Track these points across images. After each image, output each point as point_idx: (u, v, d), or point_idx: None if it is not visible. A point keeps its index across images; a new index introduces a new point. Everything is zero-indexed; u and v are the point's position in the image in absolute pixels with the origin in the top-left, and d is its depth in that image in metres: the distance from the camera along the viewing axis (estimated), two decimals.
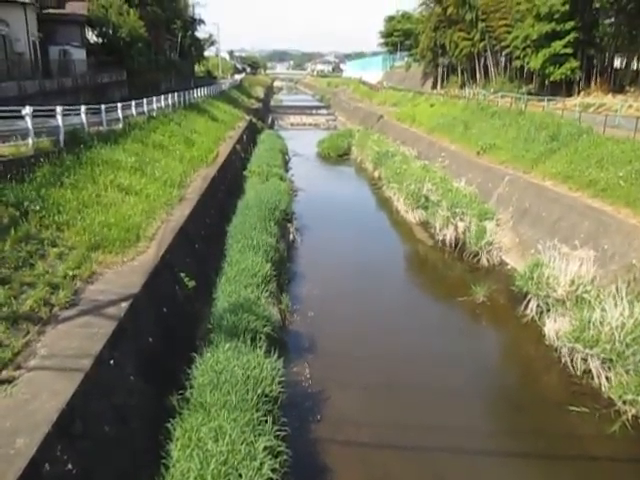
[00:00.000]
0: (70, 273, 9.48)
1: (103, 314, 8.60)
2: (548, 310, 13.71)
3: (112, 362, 7.78)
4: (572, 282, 13.33)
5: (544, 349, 12.94)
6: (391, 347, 13.21)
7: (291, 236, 20.65)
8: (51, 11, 30.72)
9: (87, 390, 6.84)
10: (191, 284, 12.25)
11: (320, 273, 17.92)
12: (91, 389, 6.96)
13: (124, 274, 10.28)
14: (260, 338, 10.19)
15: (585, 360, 11.61)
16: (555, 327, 12.94)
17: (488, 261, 18.62)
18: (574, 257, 14.25)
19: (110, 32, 33.60)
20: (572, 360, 11.91)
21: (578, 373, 11.69)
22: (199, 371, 8.93)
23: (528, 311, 14.32)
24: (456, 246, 20.11)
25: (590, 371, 11.48)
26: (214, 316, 11.04)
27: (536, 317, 14.07)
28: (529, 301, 14.38)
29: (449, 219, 20.74)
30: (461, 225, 20.28)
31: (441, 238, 21.01)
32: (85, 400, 6.74)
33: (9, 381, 6.67)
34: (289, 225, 21.01)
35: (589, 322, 11.66)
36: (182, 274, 12.23)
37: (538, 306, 14.10)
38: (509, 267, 18.04)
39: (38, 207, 10.83)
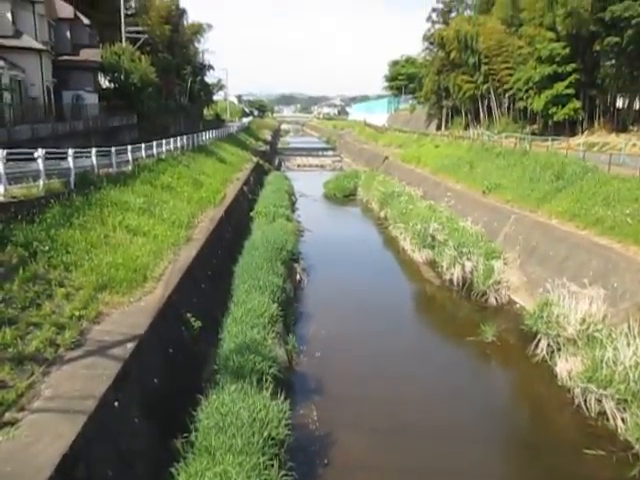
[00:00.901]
0: (76, 313, 9.48)
1: (108, 355, 8.55)
2: (559, 349, 13.49)
3: (116, 404, 7.69)
4: (583, 321, 13.17)
5: (556, 390, 12.67)
6: (400, 388, 12.98)
7: (298, 276, 20.61)
8: (66, 58, 31.77)
9: (91, 433, 6.74)
10: (197, 324, 12.20)
11: (327, 313, 17.80)
12: (95, 432, 6.86)
13: (130, 314, 10.27)
14: (266, 379, 10.06)
15: (599, 401, 11.35)
16: (567, 367, 12.71)
17: (496, 300, 18.46)
18: (584, 295, 14.11)
19: (122, 77, 34.61)
20: (586, 401, 11.64)
21: (593, 414, 11.40)
22: (204, 413, 8.79)
23: (539, 351, 14.09)
24: (464, 285, 19.99)
25: (605, 412, 11.20)
26: (220, 357, 10.94)
27: (547, 357, 13.83)
28: (539, 340, 14.18)
29: (456, 258, 20.70)
30: (468, 264, 20.21)
31: (448, 277, 20.91)
32: (88, 443, 6.64)
33: (12, 423, 6.59)
34: (296, 265, 21.01)
35: (602, 362, 11.45)
36: (188, 314, 12.19)
37: (549, 345, 13.88)
38: (518, 306, 17.87)
39: (47, 247, 10.93)
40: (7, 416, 6.69)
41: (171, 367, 10.31)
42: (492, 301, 18.47)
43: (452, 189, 30.61)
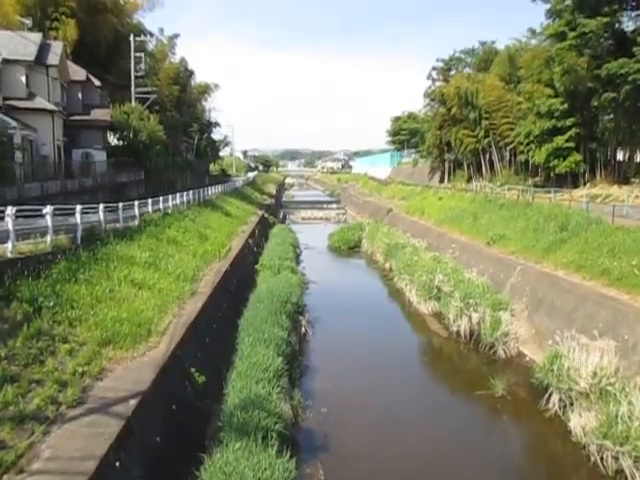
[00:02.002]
0: (79, 370, 9.39)
1: (110, 412, 8.40)
2: (572, 404, 13.15)
3: (118, 464, 7.49)
4: (594, 374, 12.89)
5: (571, 446, 12.25)
6: (409, 446, 12.59)
7: (303, 329, 20.42)
8: (77, 117, 32.83)
9: None
10: (201, 380, 12.02)
11: (333, 367, 17.52)
12: None
13: (134, 370, 10.15)
14: (271, 437, 9.82)
15: (616, 458, 10.95)
16: (581, 422, 12.34)
17: (505, 352, 18.16)
18: (594, 348, 13.87)
19: (131, 135, 35.59)
20: (602, 458, 11.23)
21: (610, 473, 10.97)
22: (208, 473, 8.54)
23: (550, 405, 13.73)
24: (471, 337, 19.74)
25: (623, 470, 10.79)
26: (224, 413, 10.72)
27: (560, 411, 13.46)
28: (551, 394, 13.84)
29: (463, 310, 20.52)
30: (475, 316, 20.01)
31: (455, 329, 20.67)
32: None
33: None
34: (301, 318, 20.85)
35: (617, 417, 11.12)
36: (192, 369, 12.04)
37: (561, 400, 13.54)
38: (527, 359, 17.55)
39: (52, 303, 10.95)
40: (5, 479, 6.52)
41: (174, 424, 10.10)
42: (501, 353, 18.16)
43: (456, 240, 30.71)
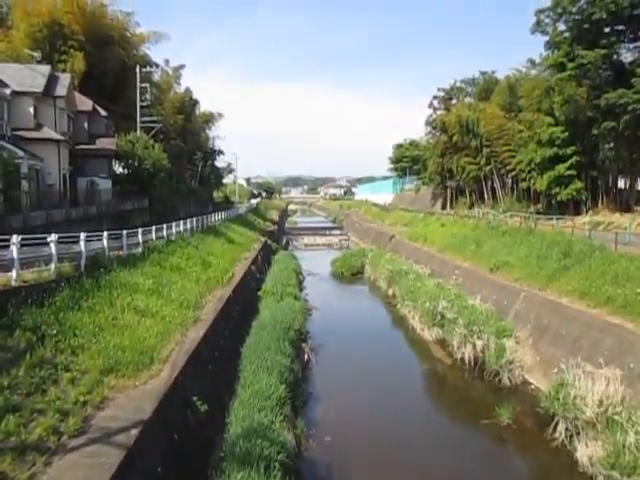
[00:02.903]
0: (81, 399, 9.34)
1: (112, 442, 8.32)
2: (578, 433, 12.97)
3: None
4: (600, 403, 12.74)
5: (578, 477, 12.03)
6: (413, 477, 12.38)
7: (306, 356, 20.33)
8: (82, 146, 33.23)
9: None
10: (203, 408, 11.92)
11: (336, 394, 17.37)
12: None
13: (136, 398, 10.09)
14: (274, 467, 9.70)
15: None
16: (587, 452, 12.16)
17: (510, 380, 17.99)
18: (600, 376, 13.74)
19: (135, 164, 35.99)
20: None
21: None
22: None
23: (557, 434, 13.55)
24: (475, 365, 19.58)
25: None
26: (227, 442, 10.61)
27: (566, 441, 13.27)
28: (557, 423, 13.67)
29: (467, 337, 20.40)
30: (479, 343, 19.88)
31: (459, 356, 20.51)
32: None
33: None
34: (304, 345, 20.78)
35: (624, 447, 10.97)
36: (194, 398, 11.95)
37: (567, 429, 13.36)
38: (532, 387, 17.37)
39: (55, 331, 10.95)
40: None
41: (176, 454, 9.98)
42: (506, 381, 17.99)
43: (459, 267, 30.69)
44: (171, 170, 42.51)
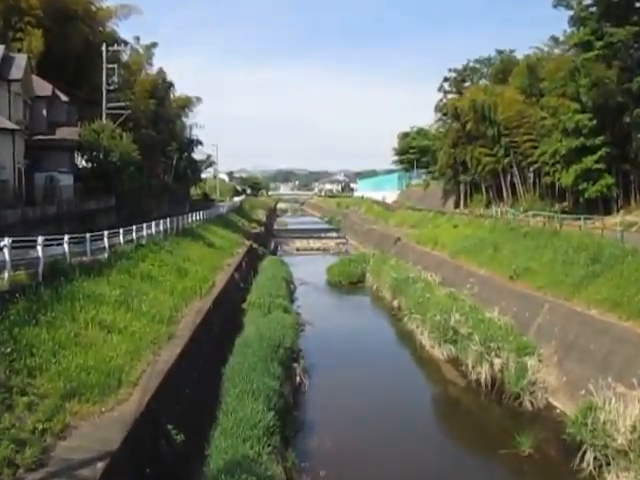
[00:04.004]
0: (40, 427, 9.36)
1: (75, 476, 8.37)
2: (608, 463, 13.10)
3: None
4: (633, 428, 12.88)
5: None
6: None
7: (298, 378, 20.34)
8: (41, 137, 33.18)
9: None
10: (180, 438, 11.96)
11: (333, 422, 17.43)
12: None
13: (102, 427, 10.13)
14: None
15: None
16: None
17: (532, 404, 18.10)
18: (633, 398, 13.89)
19: (101, 156, 35.95)
20: None
21: None
22: None
23: (584, 465, 13.66)
24: (493, 386, 19.68)
25: None
26: (207, 478, 10.66)
27: (595, 472, 13.39)
28: (585, 452, 13.77)
29: (483, 355, 20.51)
30: (497, 362, 20.01)
31: (475, 377, 20.61)
32: None
33: None
34: (295, 365, 20.80)
35: None
36: (169, 426, 11.99)
37: (596, 458, 13.48)
38: (557, 411, 17.51)
39: (9, 349, 10.96)
40: None
41: None
42: (527, 405, 18.10)
43: (475, 274, 30.84)
44: (141, 163, 42.43)
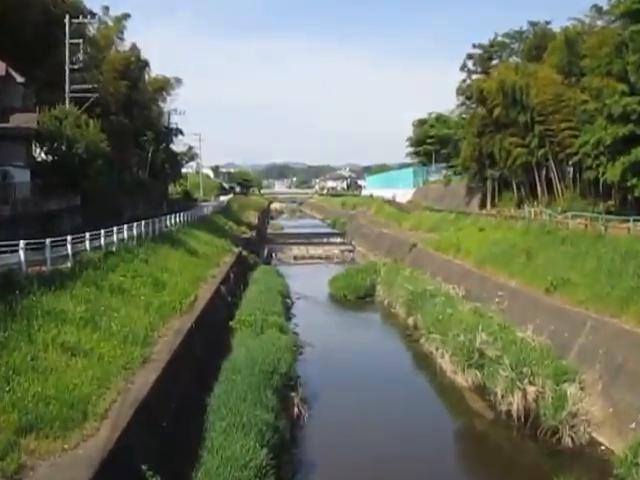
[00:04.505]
0: None
1: None
2: None
3: None
4: None
5: None
6: None
7: (296, 409, 20.32)
8: None
9: None
10: None
11: (337, 462, 17.41)
12: None
13: (64, 468, 10.09)
14: None
15: None
16: None
17: (573, 440, 18.05)
18: None
19: (63, 148, 35.97)
20: None
21: None
22: None
23: None
24: (526, 419, 19.66)
25: None
26: None
27: None
28: None
29: (514, 382, 20.47)
30: (531, 390, 19.97)
31: (505, 408, 20.57)
32: None
33: None
34: (293, 394, 20.77)
35: None
36: (144, 467, 11.94)
37: None
38: (603, 448, 17.45)
39: None
40: None
41: None
42: (567, 441, 18.06)
43: (504, 286, 30.79)
44: (111, 156, 42.53)
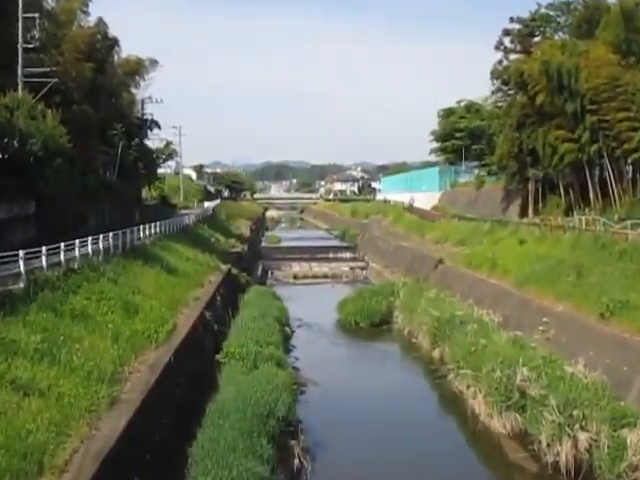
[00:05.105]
0: None
1: None
2: None
3: None
4: None
5: None
6: None
7: (296, 461, 20.29)
8: None
9: None
10: None
11: None
12: None
13: None
14: None
15: None
16: None
17: None
18: None
19: (14, 144, 36.09)
20: None
21: None
22: None
23: None
24: (577, 472, 19.62)
25: None
26: None
27: None
28: None
29: (562, 427, 20.39)
30: (583, 437, 19.86)
31: (551, 459, 20.50)
32: None
33: None
34: (293, 443, 20.75)
35: None
36: None
37: None
38: None
39: None
40: None
41: None
42: None
43: (550, 311, 30.69)
44: (73, 153, 42.63)
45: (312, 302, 50.08)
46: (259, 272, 65.82)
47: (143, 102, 75.22)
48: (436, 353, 33.65)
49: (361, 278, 64.91)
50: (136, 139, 69.87)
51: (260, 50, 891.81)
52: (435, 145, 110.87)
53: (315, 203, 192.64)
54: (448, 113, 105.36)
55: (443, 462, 22.58)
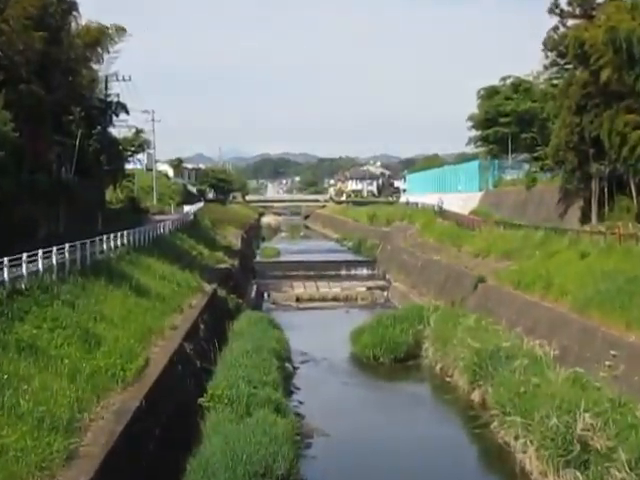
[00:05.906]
0: None
1: None
2: None
3: None
4: None
5: None
6: None
7: None
8: None
9: None
10: None
11: None
12: None
13: None
14: None
15: None
16: None
17: None
18: None
19: None
20: None
21: None
22: None
23: None
24: None
25: None
26: None
27: None
28: None
29: None
30: None
31: None
32: None
33: None
34: None
35: None
36: None
37: None
38: None
39: None
40: None
41: None
42: None
43: (619, 342, 30.64)
44: (20, 145, 42.82)
45: (320, 331, 50.05)
46: (253, 294, 65.87)
47: (107, 80, 75.03)
48: (476, 395, 33.57)
49: (381, 301, 64.90)
50: (98, 127, 70.08)
51: (259, 16, 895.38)
52: (474, 133, 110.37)
53: (323, 206, 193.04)
54: (491, 93, 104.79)
55: None
